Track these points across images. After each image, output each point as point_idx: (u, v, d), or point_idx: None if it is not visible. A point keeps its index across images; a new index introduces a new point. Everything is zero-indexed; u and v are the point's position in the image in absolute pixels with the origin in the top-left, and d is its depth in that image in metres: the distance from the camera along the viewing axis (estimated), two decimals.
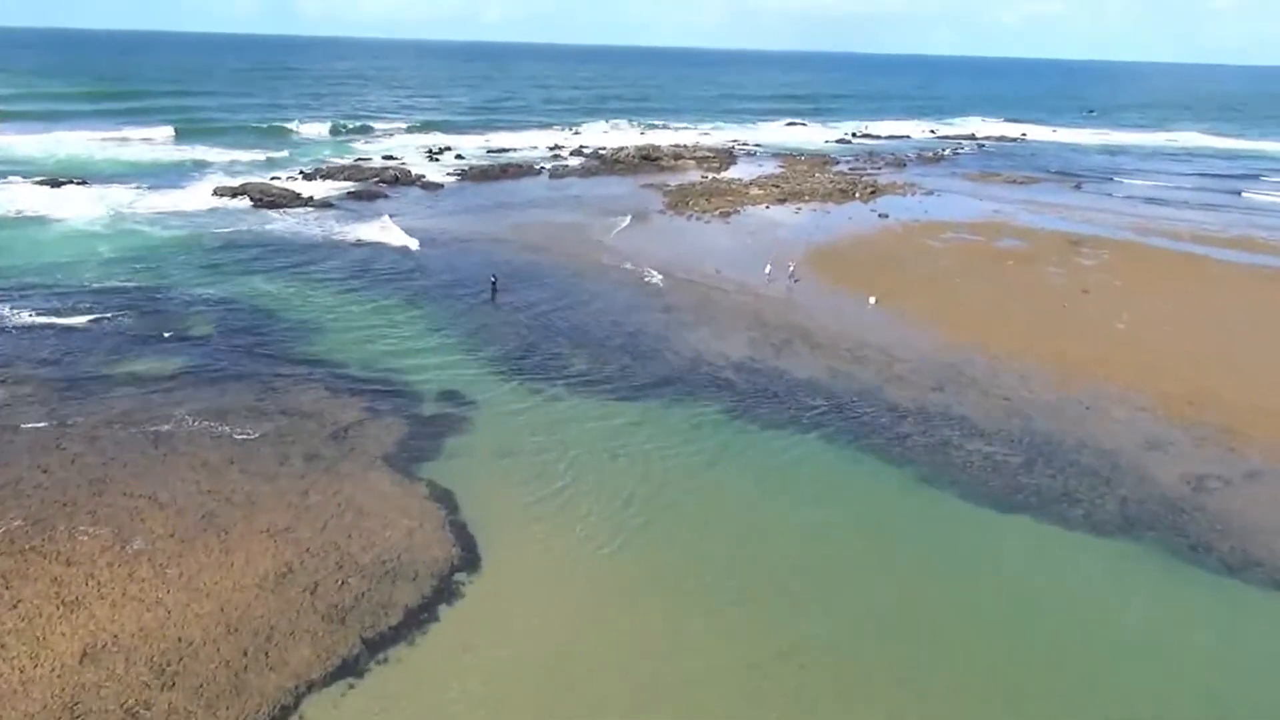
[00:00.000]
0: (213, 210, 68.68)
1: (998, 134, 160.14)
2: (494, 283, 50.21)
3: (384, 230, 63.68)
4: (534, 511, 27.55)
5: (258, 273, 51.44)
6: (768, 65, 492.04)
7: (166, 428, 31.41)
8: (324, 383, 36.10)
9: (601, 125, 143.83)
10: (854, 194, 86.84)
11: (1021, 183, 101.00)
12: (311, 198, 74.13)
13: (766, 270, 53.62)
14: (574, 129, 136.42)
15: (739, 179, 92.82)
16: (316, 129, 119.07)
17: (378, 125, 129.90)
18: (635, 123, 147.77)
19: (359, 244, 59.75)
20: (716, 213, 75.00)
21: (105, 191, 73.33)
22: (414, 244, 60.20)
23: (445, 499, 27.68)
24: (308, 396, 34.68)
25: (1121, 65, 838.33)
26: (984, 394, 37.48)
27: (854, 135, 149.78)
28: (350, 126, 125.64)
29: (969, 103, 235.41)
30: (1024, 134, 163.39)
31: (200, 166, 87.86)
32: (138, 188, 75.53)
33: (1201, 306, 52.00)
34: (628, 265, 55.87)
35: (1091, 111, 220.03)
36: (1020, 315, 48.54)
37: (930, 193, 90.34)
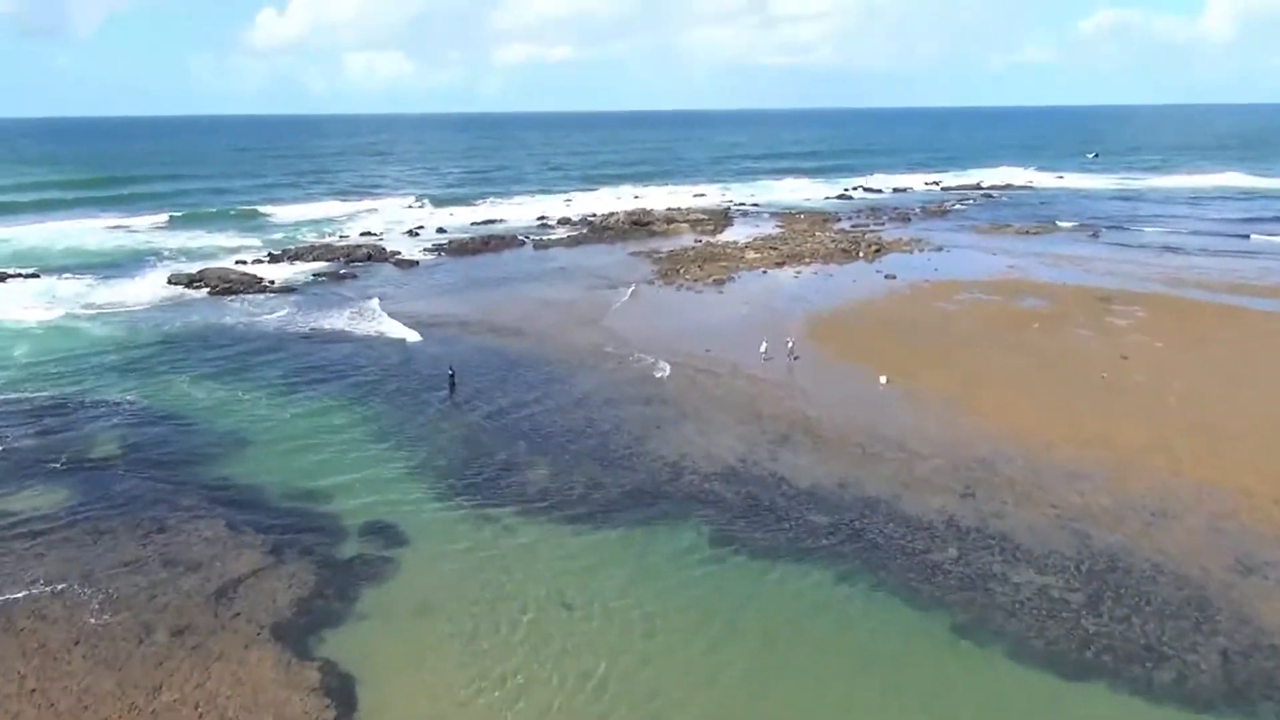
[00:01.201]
0: (163, 301, 63.34)
1: (1003, 183, 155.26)
2: (451, 376, 44.27)
3: (341, 317, 58.05)
4: (461, 706, 21.07)
5: (190, 374, 45.61)
6: (762, 123, 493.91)
7: (15, 595, 25.21)
8: (227, 518, 29.91)
9: (593, 191, 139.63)
10: (857, 253, 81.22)
11: (1035, 233, 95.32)
12: (273, 282, 68.89)
13: (762, 348, 47.56)
14: (565, 197, 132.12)
15: (735, 241, 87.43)
16: (298, 209, 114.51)
17: (363, 200, 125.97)
18: (628, 187, 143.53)
19: (310, 334, 54.04)
20: (710, 281, 69.31)
21: (54, 284, 68.40)
22: (372, 330, 54.56)
23: (340, 692, 21.23)
24: (201, 539, 28.46)
25: (1112, 109, 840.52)
26: (1025, 500, 30.98)
27: (854, 190, 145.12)
28: (332, 203, 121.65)
29: (969, 153, 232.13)
30: (1029, 182, 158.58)
31: (165, 253, 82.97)
32: (91, 279, 70.60)
33: (1259, 369, 45.54)
34: (607, 348, 49.90)
35: (1095, 156, 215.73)
36: (1054, 391, 42.18)
37: (939, 248, 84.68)
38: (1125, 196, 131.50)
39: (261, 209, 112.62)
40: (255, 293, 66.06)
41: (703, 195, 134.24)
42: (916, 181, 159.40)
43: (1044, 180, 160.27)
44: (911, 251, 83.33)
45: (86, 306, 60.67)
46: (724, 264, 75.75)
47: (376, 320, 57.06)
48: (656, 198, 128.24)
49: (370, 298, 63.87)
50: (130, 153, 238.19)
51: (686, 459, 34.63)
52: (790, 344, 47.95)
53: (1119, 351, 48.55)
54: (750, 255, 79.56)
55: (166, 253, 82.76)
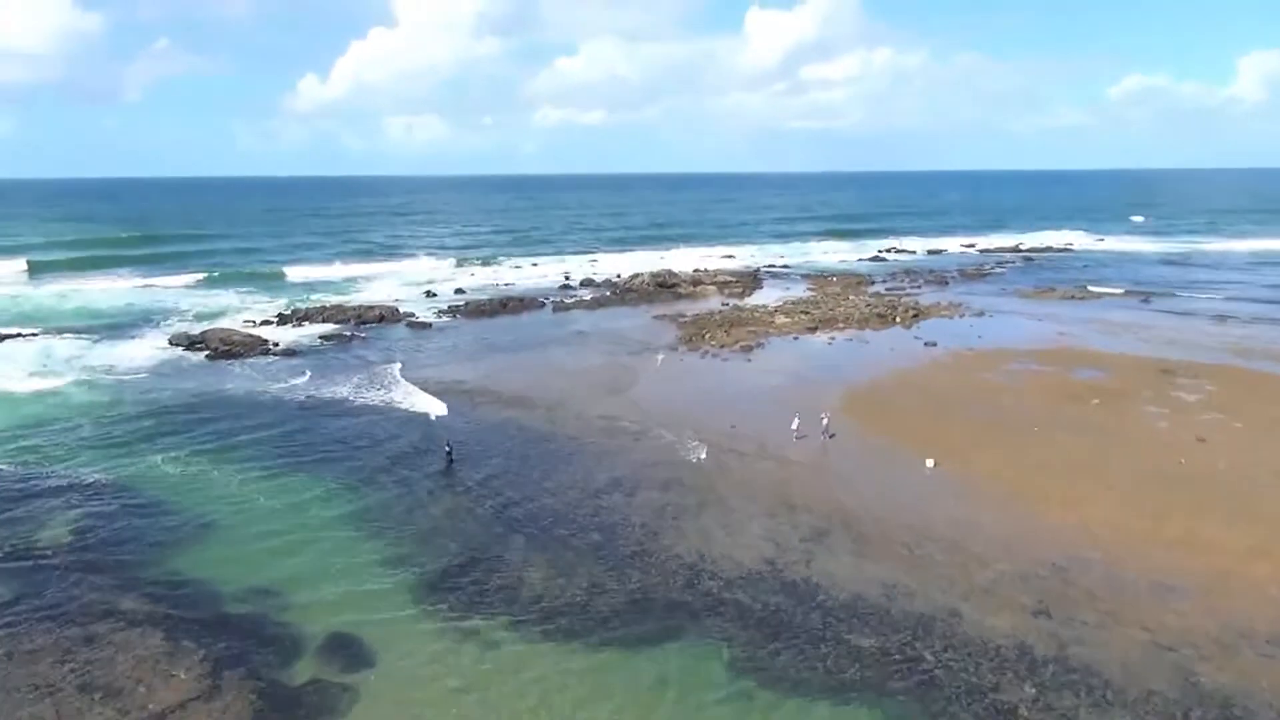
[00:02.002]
0: (159, 365, 60.02)
1: (1042, 245, 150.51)
2: (449, 453, 40.09)
3: (338, 384, 54.30)
4: None
5: (167, 449, 41.76)
6: (792, 186, 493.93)
7: None
8: (168, 628, 25.61)
9: (620, 253, 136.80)
10: (894, 318, 76.70)
11: (1081, 298, 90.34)
12: (276, 345, 65.54)
13: (794, 425, 42.96)
14: (590, 257, 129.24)
15: (764, 305, 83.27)
16: (318, 270, 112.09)
17: (386, 260, 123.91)
18: (655, 250, 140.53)
19: (303, 403, 50.22)
20: (736, 347, 65.00)
21: (52, 345, 65.60)
22: (369, 399, 50.68)
23: None
24: (132, 656, 24.14)
25: (1144, 172, 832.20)
26: (1111, 620, 25.93)
27: (887, 253, 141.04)
28: (354, 263, 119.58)
29: (1003, 215, 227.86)
30: (1069, 244, 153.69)
31: (175, 313, 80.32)
32: (92, 339, 67.82)
33: None
34: (623, 422, 45.53)
35: (1140, 218, 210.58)
36: (1127, 479, 37.12)
37: (981, 313, 79.96)
38: (1173, 261, 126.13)
39: (283, 269, 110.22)
40: (257, 356, 62.66)
41: (731, 257, 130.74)
42: (951, 244, 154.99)
43: (1084, 243, 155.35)
44: (952, 317, 78.67)
45: (78, 370, 57.44)
46: (752, 329, 71.50)
47: (376, 389, 53.22)
48: (684, 259, 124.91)
49: (373, 363, 60.23)
50: (166, 212, 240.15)
51: (706, 559, 29.95)
52: (825, 420, 43.29)
53: (1194, 432, 43.40)
54: (780, 320, 75.30)
55: (177, 312, 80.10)
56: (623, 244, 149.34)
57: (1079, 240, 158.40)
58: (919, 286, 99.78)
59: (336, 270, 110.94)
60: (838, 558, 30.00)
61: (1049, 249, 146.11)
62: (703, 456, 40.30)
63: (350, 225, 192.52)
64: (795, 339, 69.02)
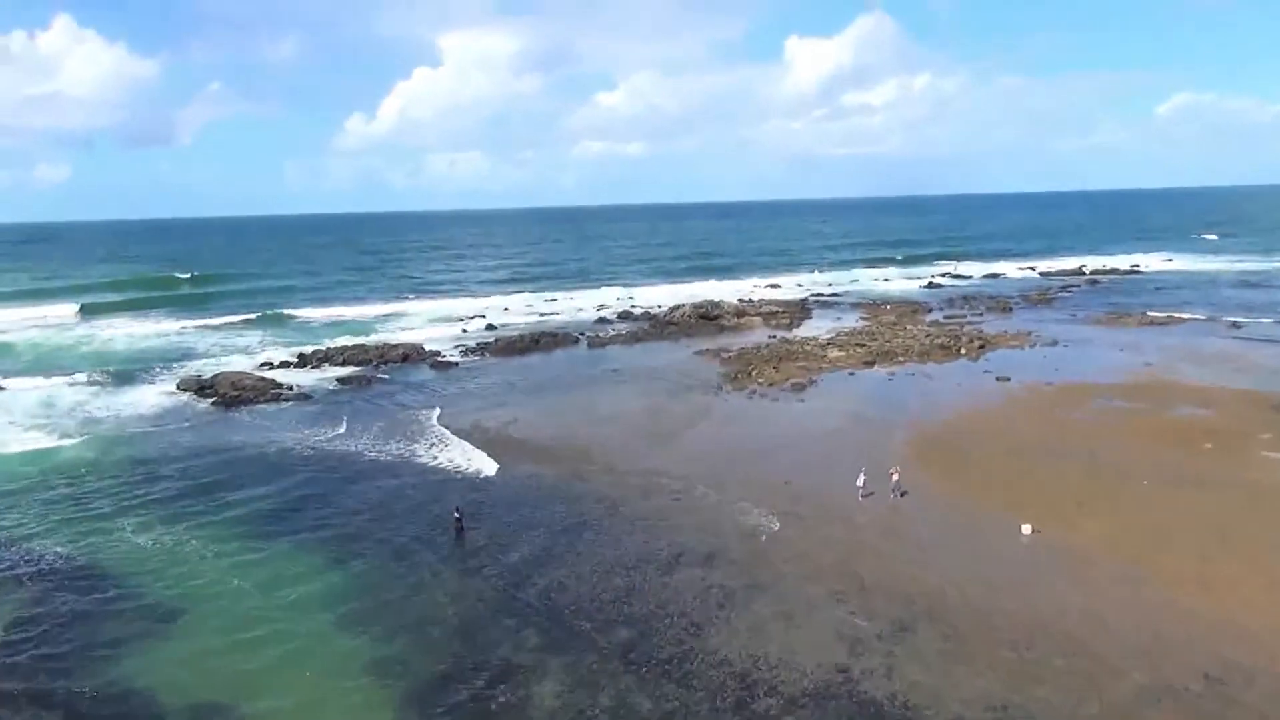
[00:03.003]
0: (161, 413, 55.75)
1: (1106, 267, 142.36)
2: (459, 519, 34.72)
3: (347, 436, 49.39)
4: None
5: (143, 515, 36.97)
6: (835, 212, 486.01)
7: None
8: None
9: (660, 284, 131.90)
10: (958, 349, 70.18)
11: (1162, 324, 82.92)
12: (291, 388, 61.08)
13: (860, 481, 36.90)
14: (629, 289, 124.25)
15: (814, 337, 77.21)
16: (349, 309, 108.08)
17: (420, 296, 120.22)
18: (698, 281, 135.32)
19: (308, 457, 45.29)
20: (787, 385, 59.08)
21: (58, 392, 61.91)
22: (380, 451, 45.62)
23: None
24: None
25: (1193, 190, 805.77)
26: None
27: (941, 277, 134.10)
28: (384, 300, 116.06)
29: (1059, 236, 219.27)
30: (1136, 265, 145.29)
31: (192, 355, 76.64)
32: (101, 385, 64.05)
33: None
34: (661, 479, 39.79)
35: (1213, 236, 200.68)
36: (1270, 550, 30.51)
37: (1054, 343, 73.08)
38: (1253, 282, 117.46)
39: (310, 308, 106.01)
40: (267, 402, 58.14)
41: (776, 286, 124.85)
42: (1008, 268, 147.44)
43: (1152, 264, 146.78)
44: (1022, 347, 71.93)
45: (76, 422, 53.27)
46: (803, 364, 65.49)
47: (387, 440, 48.20)
48: (727, 290, 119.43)
49: (388, 410, 55.37)
50: (213, 252, 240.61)
51: (761, 666, 24.04)
52: (895, 476, 37.11)
53: None
54: (833, 353, 69.20)
55: (195, 354, 76.33)
56: (662, 275, 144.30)
57: (1145, 261, 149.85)
58: (980, 314, 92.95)
59: (367, 309, 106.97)
60: (927, 664, 23.89)
61: (1114, 271, 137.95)
62: (754, 521, 34.43)
63: (387, 261, 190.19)
64: (851, 374, 62.89)
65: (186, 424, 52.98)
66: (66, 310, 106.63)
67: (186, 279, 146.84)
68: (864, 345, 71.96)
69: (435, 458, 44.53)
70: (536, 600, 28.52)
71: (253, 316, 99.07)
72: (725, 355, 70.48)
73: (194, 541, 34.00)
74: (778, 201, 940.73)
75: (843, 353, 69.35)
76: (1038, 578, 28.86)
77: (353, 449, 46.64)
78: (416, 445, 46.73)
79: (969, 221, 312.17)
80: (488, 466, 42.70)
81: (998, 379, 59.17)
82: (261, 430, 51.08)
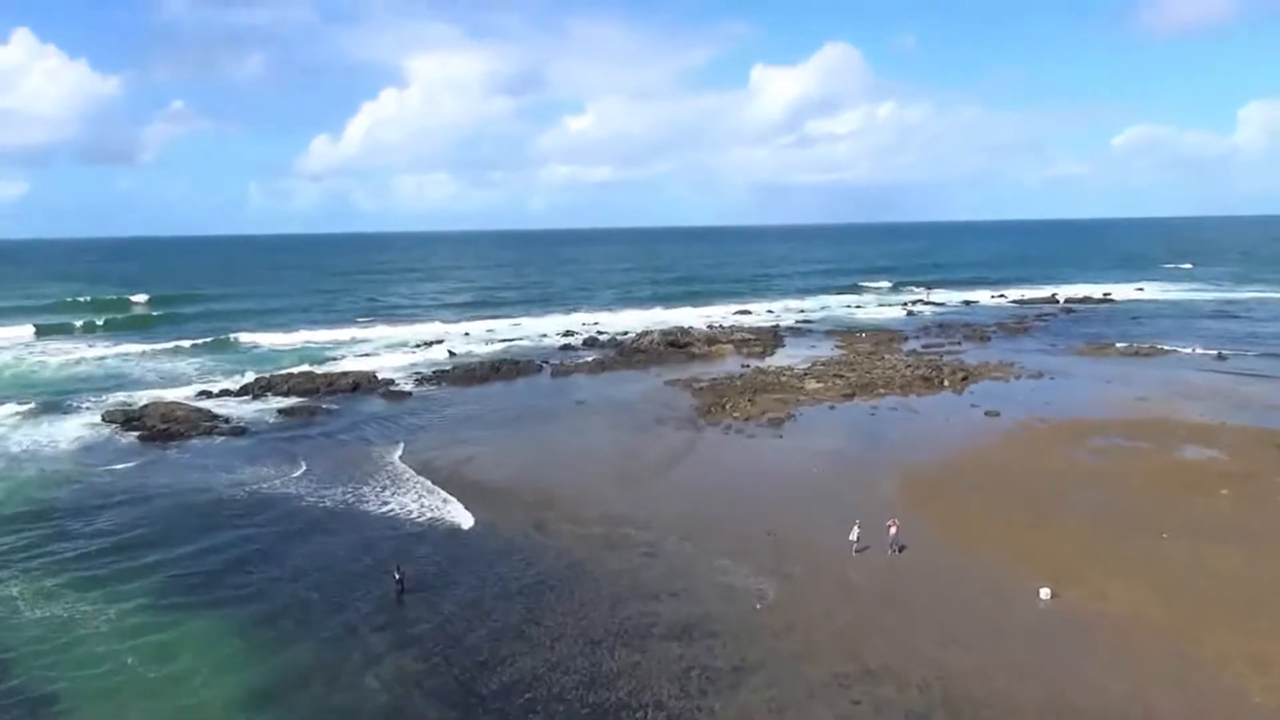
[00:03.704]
0: (81, 449, 50.58)
1: (1079, 295, 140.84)
2: (400, 580, 30.21)
3: (279, 477, 44.62)
4: None
5: (33, 574, 32.13)
6: (803, 238, 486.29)
7: None
8: None
9: (627, 309, 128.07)
10: (941, 381, 66.81)
11: (1146, 354, 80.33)
12: (227, 421, 56.15)
13: (854, 534, 32.91)
14: (595, 314, 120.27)
15: (789, 367, 73.51)
16: (302, 334, 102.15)
17: (378, 321, 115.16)
18: (665, 305, 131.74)
19: (234, 502, 40.48)
20: (764, 419, 55.22)
21: None
22: (315, 496, 40.91)
23: None
24: None
25: (1150, 221, 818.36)
26: None
27: (915, 304, 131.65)
28: (344, 324, 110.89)
29: (1028, 264, 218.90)
30: (1107, 294, 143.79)
31: (125, 381, 71.25)
32: (23, 415, 58.62)
33: None
34: (629, 530, 35.55)
35: (1189, 265, 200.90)
36: None
37: (1039, 375, 69.96)
38: (1231, 312, 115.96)
39: (262, 333, 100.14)
40: (199, 436, 53.17)
41: (747, 312, 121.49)
42: (981, 295, 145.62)
43: (1124, 293, 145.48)
44: (1007, 379, 68.72)
45: None
46: (780, 396, 61.71)
47: (325, 483, 43.51)
48: (696, 316, 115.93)
49: (329, 447, 50.69)
50: (173, 272, 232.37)
51: None
52: (893, 529, 33.15)
53: None
54: (811, 385, 65.50)
55: (130, 381, 70.89)
56: (630, 300, 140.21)
57: (1118, 290, 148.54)
58: (958, 343, 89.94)
59: (322, 334, 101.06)
60: None
61: (1087, 300, 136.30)
62: (736, 583, 30.29)
63: (348, 284, 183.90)
64: (831, 408, 59.16)
65: (106, 461, 47.82)
66: (22, 331, 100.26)
67: (141, 301, 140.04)
68: (843, 376, 68.39)
69: (384, 504, 39.92)
70: (485, 687, 24.11)
71: (201, 341, 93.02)
72: (697, 386, 66.52)
73: (86, 608, 29.16)
74: (745, 227, 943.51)
75: (821, 384, 65.68)
76: (1067, 656, 24.98)
77: (278, 493, 41.92)
78: (360, 489, 42.07)
79: (938, 249, 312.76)
80: (436, 514, 38.21)
81: (987, 414, 55.77)
82: (189, 471, 46.12)
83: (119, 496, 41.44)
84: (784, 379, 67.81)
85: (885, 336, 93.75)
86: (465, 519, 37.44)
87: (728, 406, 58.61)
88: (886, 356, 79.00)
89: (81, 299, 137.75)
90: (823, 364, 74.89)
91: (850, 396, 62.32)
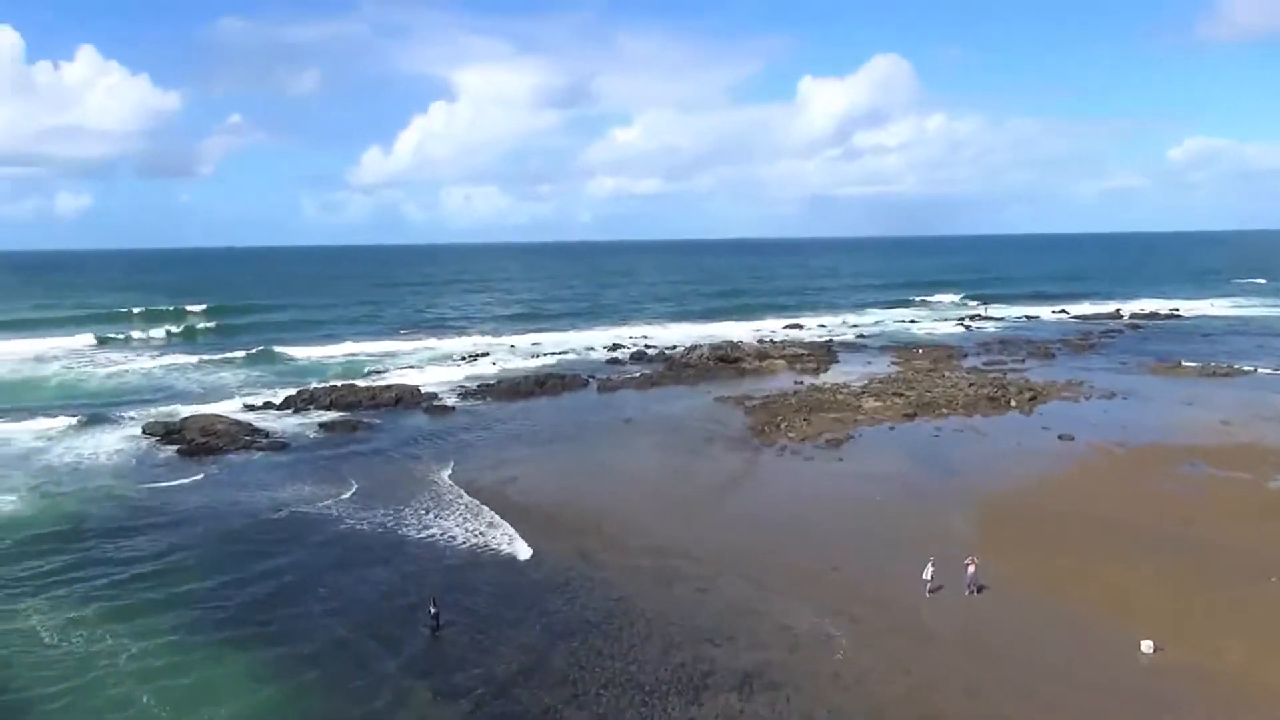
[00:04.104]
0: (119, 463, 49.56)
1: (1145, 311, 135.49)
2: (435, 616, 28.16)
3: (316, 498, 43.01)
4: None
5: (56, 600, 30.65)
6: (851, 251, 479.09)
7: None
8: None
9: (675, 322, 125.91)
10: (1007, 401, 63.46)
11: (1224, 374, 75.92)
12: (266, 435, 54.93)
13: (927, 574, 30.15)
14: (643, 328, 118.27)
15: (845, 384, 70.55)
16: (348, 346, 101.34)
17: (424, 331, 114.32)
18: (714, 320, 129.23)
19: (267, 523, 38.90)
20: (821, 440, 52.54)
21: (15, 435, 56.04)
22: (353, 519, 39.15)
23: None
24: None
25: (1212, 234, 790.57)
26: None
27: (972, 320, 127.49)
28: (389, 336, 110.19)
29: (1088, 278, 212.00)
30: (1175, 309, 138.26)
31: (170, 392, 70.73)
32: (66, 427, 57.94)
33: None
34: (679, 561, 33.15)
35: (1263, 281, 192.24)
36: None
37: (1111, 395, 66.17)
38: None
39: (308, 346, 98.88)
40: (238, 450, 51.98)
41: (798, 326, 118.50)
42: (1040, 310, 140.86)
43: (1195, 308, 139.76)
44: (1076, 399, 65.09)
45: (23, 472, 47.18)
46: (837, 416, 58.92)
47: (363, 505, 41.80)
48: (745, 330, 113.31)
49: (370, 465, 49.08)
50: (227, 283, 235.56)
51: None
52: (971, 568, 30.31)
53: None
54: (869, 404, 62.56)
55: (173, 393, 70.22)
56: (678, 314, 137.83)
57: (1186, 306, 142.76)
58: (1022, 360, 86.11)
59: (368, 345, 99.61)
60: None
61: (1154, 315, 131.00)
62: (797, 625, 27.74)
63: (396, 295, 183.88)
64: (892, 429, 56.25)
65: (143, 477, 46.69)
66: (74, 341, 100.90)
67: (194, 311, 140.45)
68: (902, 394, 65.31)
69: (425, 528, 38.00)
70: None
71: (248, 353, 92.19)
72: (749, 403, 63.95)
73: (105, 638, 27.55)
74: (792, 239, 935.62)
75: (880, 403, 62.70)
76: None
77: (325, 514, 40.25)
78: (401, 510, 40.22)
79: (993, 262, 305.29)
80: (479, 541, 36.19)
81: (1060, 438, 52.42)
82: (226, 490, 44.63)
83: (153, 518, 39.94)
84: (840, 397, 64.94)
85: (944, 353, 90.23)
86: (509, 547, 35.33)
87: (782, 426, 56.01)
88: (947, 374, 75.66)
89: (135, 309, 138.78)
90: (880, 381, 71.79)
91: (911, 416, 59.30)
